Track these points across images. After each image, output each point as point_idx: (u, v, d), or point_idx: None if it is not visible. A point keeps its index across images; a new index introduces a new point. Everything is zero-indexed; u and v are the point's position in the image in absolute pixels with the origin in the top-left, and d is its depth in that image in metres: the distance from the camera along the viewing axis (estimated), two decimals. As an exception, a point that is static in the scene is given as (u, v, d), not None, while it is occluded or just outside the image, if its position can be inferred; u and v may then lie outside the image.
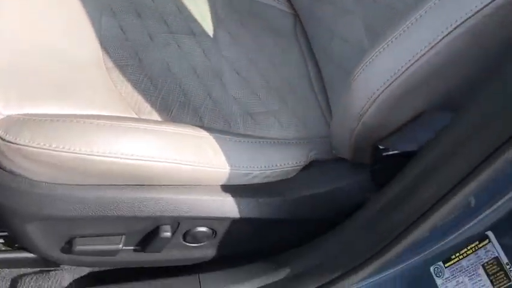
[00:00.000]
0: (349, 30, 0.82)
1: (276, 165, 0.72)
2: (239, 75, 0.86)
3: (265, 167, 0.71)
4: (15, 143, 0.58)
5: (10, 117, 0.61)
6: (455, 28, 0.51)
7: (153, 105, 0.72)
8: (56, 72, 0.68)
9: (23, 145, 0.58)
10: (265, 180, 0.72)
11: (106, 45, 0.77)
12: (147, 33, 0.82)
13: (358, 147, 0.67)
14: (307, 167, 0.75)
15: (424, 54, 0.53)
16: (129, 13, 0.83)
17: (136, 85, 0.73)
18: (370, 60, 0.59)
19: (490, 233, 0.52)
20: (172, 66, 0.80)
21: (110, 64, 0.74)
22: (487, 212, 0.53)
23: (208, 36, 0.90)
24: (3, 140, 0.58)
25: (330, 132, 0.74)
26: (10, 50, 0.67)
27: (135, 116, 0.69)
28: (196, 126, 0.71)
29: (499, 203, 0.53)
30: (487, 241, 0.53)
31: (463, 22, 0.51)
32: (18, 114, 0.61)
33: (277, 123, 0.81)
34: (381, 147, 0.62)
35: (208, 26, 0.92)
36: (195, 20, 0.91)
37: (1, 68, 0.65)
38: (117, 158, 0.60)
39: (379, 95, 0.58)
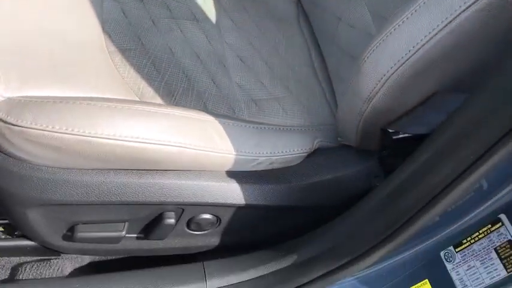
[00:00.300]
0: (355, 16, 0.81)
1: (282, 152, 0.71)
2: (242, 62, 0.85)
3: (270, 153, 0.70)
4: (16, 125, 0.56)
5: (11, 99, 0.59)
6: (468, 7, 0.50)
7: (156, 89, 0.71)
8: (58, 54, 0.66)
9: (25, 127, 0.56)
10: (271, 167, 0.71)
11: (108, 29, 0.75)
12: (149, 18, 0.81)
13: (366, 132, 0.66)
14: (312, 154, 0.74)
15: (436, 34, 0.52)
16: (131, -3, 0.82)
17: (139, 69, 0.72)
18: (380, 41, 0.58)
19: (502, 216, 0.52)
20: (176, 51, 0.78)
21: (112, 48, 0.73)
22: (500, 194, 0.52)
23: (211, 22, 0.89)
24: (5, 122, 0.57)
25: (337, 118, 0.73)
26: (11, 32, 0.66)
27: (138, 100, 0.67)
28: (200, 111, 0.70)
29: (512, 185, 0.52)
30: (499, 224, 0.52)
31: (476, 0, 0.50)
32: (19, 97, 0.60)
33: (282, 110, 0.79)
34: (390, 130, 0.61)
35: (210, 12, 0.90)
36: (197, 6, 0.90)
37: (1, 50, 0.63)
38: (122, 140, 0.58)
39: (389, 77, 0.57)
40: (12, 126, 0.57)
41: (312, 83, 0.88)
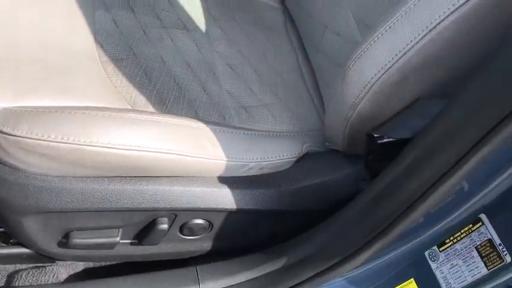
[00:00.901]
0: (341, 24, 0.83)
1: (271, 157, 0.73)
2: (232, 70, 0.87)
3: (260, 158, 0.72)
4: (13, 135, 0.58)
5: (6, 109, 0.61)
6: (447, 16, 0.53)
7: (148, 98, 0.73)
8: (52, 65, 0.68)
9: (21, 136, 0.58)
10: (261, 172, 0.73)
11: (100, 39, 0.77)
12: (140, 28, 0.83)
13: (352, 137, 0.68)
14: (301, 159, 0.76)
15: (418, 42, 0.55)
16: (122, 8, 0.84)
17: (131, 78, 0.74)
18: (365, 50, 0.60)
19: (482, 216, 0.54)
20: (167, 60, 0.80)
21: (105, 58, 0.74)
22: (480, 195, 0.54)
23: (201, 31, 0.91)
24: (1, 132, 0.58)
25: (324, 124, 0.75)
26: (5, 43, 0.67)
27: (131, 109, 0.69)
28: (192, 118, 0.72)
29: (491, 186, 0.54)
30: (480, 224, 0.54)
31: (454, 10, 0.52)
32: (15, 107, 0.61)
33: (271, 117, 0.82)
34: (375, 135, 0.63)
35: (200, 21, 0.92)
36: (187, 15, 0.92)
37: (-4, 61, 0.65)
38: (116, 148, 0.60)
39: (373, 84, 0.59)
40: (8, 136, 0.58)
41: (300, 89, 0.90)
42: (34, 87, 0.64)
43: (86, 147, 0.59)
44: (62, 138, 0.58)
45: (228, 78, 0.84)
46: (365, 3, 0.78)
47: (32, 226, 0.66)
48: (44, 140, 0.58)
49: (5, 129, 0.58)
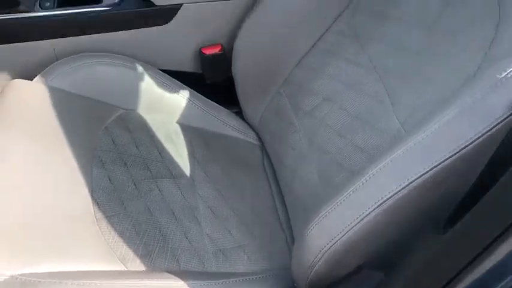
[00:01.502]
0: (306, 174, 0.96)
1: (243, 305, 0.82)
2: (212, 212, 0.98)
3: (233, 307, 0.81)
4: (16, 305, 0.68)
5: (13, 277, 0.71)
6: (378, 206, 0.65)
7: (135, 251, 0.83)
8: (51, 229, 0.79)
9: (24, 307, 0.68)
10: (233, 319, 0.82)
11: (96, 196, 0.89)
12: (132, 182, 0.95)
13: (313, 286, 0.78)
14: (269, 302, 0.85)
15: (356, 224, 0.66)
16: (117, 163, 0.97)
17: (122, 234, 0.85)
18: (317, 222, 0.72)
19: None
20: (154, 210, 0.92)
21: (99, 215, 0.86)
22: None
23: (186, 176, 1.03)
24: (6, 302, 0.68)
25: (291, 270, 0.85)
26: (7, 210, 0.78)
27: (121, 267, 0.79)
28: (172, 271, 0.82)
29: None
30: None
31: (382, 203, 0.64)
32: (18, 274, 0.72)
33: (246, 258, 0.92)
34: (329, 295, 0.73)
35: (186, 167, 1.05)
36: (174, 163, 1.05)
37: (1, 228, 0.76)
38: (104, 315, 0.70)
39: (324, 253, 0.70)
40: (13, 306, 0.68)
41: (275, 227, 1.01)
42: (35, 255, 0.74)
43: (78, 315, 0.69)
44: (58, 309, 0.68)
45: (208, 221, 0.96)
46: (324, 163, 0.91)
47: None
48: (43, 311, 0.68)
49: (10, 300, 0.68)
